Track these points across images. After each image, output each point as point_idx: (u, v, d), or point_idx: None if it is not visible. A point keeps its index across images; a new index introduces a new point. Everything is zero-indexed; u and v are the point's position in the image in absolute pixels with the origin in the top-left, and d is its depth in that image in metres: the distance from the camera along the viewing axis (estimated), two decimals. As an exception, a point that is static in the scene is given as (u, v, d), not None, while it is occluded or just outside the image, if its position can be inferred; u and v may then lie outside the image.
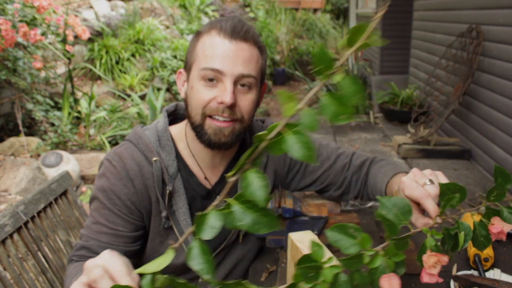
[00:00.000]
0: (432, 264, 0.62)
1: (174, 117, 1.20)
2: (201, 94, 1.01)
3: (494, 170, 0.62)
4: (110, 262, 0.67)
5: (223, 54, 0.99)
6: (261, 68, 1.06)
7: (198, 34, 1.05)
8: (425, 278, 0.62)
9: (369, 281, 0.57)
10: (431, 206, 0.79)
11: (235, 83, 1.00)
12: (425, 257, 0.62)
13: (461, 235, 0.65)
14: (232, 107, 1.00)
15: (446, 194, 0.68)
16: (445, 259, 0.61)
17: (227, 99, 0.98)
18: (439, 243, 0.65)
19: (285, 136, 0.44)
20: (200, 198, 1.15)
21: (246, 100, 1.03)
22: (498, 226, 0.65)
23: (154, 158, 1.06)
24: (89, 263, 0.68)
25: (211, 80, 1.00)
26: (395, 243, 0.58)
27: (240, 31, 1.00)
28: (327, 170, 1.22)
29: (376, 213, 0.60)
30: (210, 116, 1.02)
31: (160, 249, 1.13)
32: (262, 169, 1.19)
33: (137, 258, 1.15)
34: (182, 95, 1.10)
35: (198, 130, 1.04)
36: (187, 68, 1.07)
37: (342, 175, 1.22)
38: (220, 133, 1.02)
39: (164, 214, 1.08)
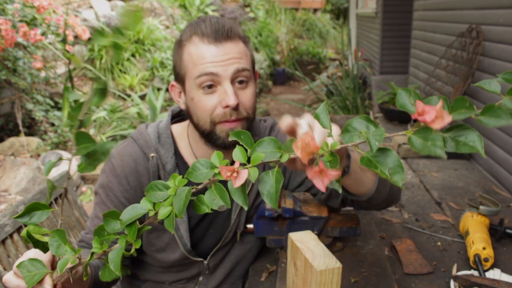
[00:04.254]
0: (305, 150, 0.57)
1: (181, 118, 1.21)
2: (204, 103, 1.00)
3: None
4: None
5: (214, 59, 0.98)
6: (251, 59, 1.06)
7: (180, 43, 1.04)
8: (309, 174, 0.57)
9: None
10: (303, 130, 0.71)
11: (232, 81, 1.00)
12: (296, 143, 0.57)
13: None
14: (237, 107, 1.00)
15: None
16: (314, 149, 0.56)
17: (231, 101, 0.97)
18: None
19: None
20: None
21: (246, 96, 1.03)
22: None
23: (152, 154, 1.09)
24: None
25: (209, 87, 0.99)
26: None
27: (222, 32, 0.99)
28: None
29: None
30: (220, 123, 1.02)
31: (156, 243, 1.15)
32: (261, 170, 1.19)
33: (135, 253, 1.16)
34: (181, 106, 1.10)
35: (210, 136, 1.04)
36: (179, 80, 1.06)
37: None
38: None
39: None
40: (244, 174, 0.56)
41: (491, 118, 0.50)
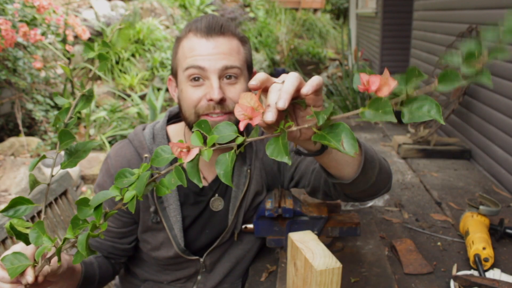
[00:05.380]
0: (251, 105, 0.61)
1: (179, 119, 1.22)
2: (190, 95, 1.02)
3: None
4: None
5: (203, 53, 1.00)
6: (245, 58, 1.06)
7: (178, 39, 1.07)
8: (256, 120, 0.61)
9: None
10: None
11: (221, 77, 1.01)
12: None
13: None
14: (222, 101, 1.01)
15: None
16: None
17: (215, 95, 0.98)
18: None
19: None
20: (194, 194, 1.16)
21: (235, 91, 1.03)
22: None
23: (145, 155, 1.11)
24: None
25: (197, 79, 1.01)
26: None
27: (215, 27, 1.01)
28: (302, 160, 1.16)
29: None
30: (204, 115, 1.03)
31: (151, 242, 1.17)
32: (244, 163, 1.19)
33: (131, 251, 1.22)
34: (176, 100, 1.13)
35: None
36: (174, 74, 1.09)
37: (312, 165, 1.12)
38: None
39: (152, 209, 1.11)
40: (194, 151, 0.60)
41: (447, 83, 0.51)
